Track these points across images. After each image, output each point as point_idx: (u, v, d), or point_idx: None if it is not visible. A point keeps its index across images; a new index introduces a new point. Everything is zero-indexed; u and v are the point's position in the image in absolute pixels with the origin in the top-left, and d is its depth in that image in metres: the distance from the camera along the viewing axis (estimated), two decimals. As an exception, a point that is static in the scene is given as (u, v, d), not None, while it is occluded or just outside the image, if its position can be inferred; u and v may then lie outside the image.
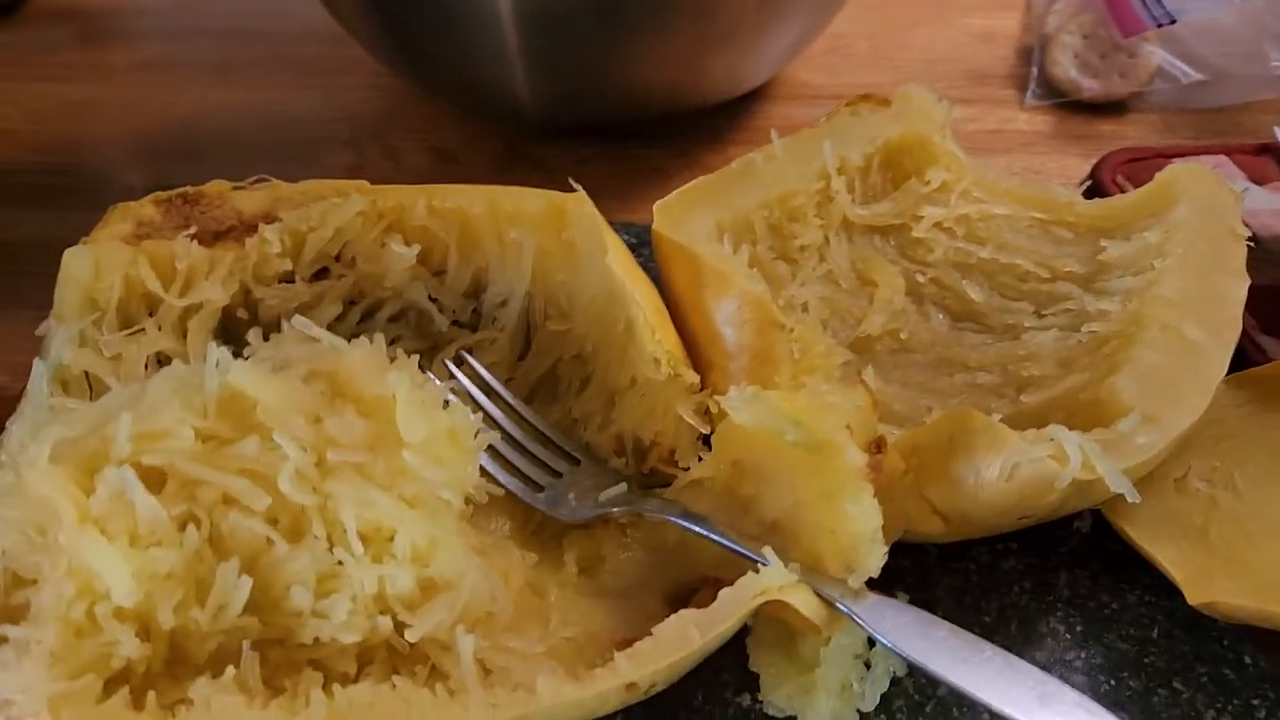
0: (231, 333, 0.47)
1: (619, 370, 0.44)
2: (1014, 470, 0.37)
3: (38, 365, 0.42)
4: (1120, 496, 0.39)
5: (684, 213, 0.48)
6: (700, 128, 0.70)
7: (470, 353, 0.48)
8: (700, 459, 0.42)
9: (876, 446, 0.38)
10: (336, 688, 0.32)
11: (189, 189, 0.48)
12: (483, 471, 0.41)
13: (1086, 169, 0.67)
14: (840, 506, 0.36)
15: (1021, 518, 0.39)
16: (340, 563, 0.34)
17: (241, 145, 0.70)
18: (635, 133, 0.70)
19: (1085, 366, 0.45)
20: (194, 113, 0.72)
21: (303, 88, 0.75)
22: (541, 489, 0.43)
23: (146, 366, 0.44)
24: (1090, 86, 0.72)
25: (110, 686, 0.32)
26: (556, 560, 0.41)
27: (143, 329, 0.44)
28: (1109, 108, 0.72)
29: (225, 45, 0.79)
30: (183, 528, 0.34)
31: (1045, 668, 0.39)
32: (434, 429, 0.37)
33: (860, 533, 0.36)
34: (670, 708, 0.39)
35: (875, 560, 0.36)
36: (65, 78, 0.76)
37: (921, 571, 0.43)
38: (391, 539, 0.35)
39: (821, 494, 0.37)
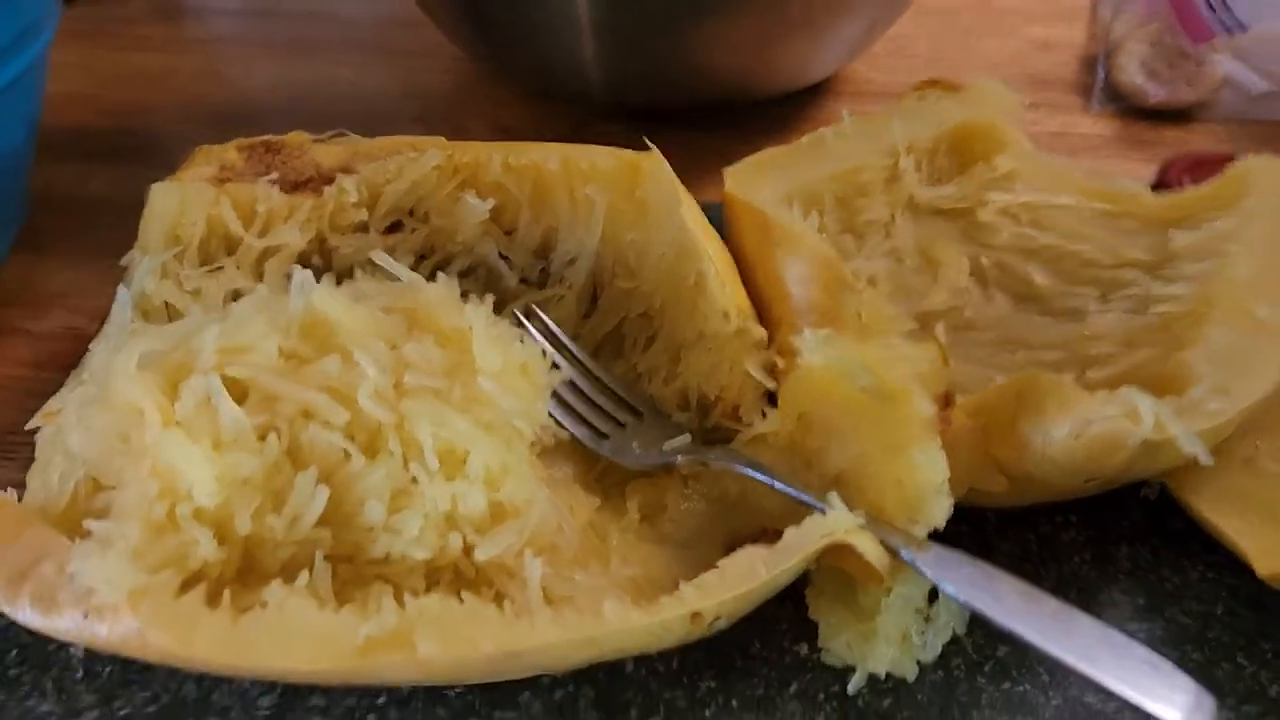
0: (294, 266, 0.48)
1: (687, 325, 0.44)
2: (1084, 428, 0.37)
3: (121, 292, 0.43)
4: (1187, 469, 0.39)
5: (754, 179, 0.49)
6: (764, 117, 0.71)
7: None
8: (764, 415, 0.43)
9: (945, 400, 0.38)
10: (407, 597, 0.33)
11: (271, 138, 0.49)
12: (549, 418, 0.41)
13: (1151, 173, 0.67)
14: (908, 456, 0.36)
15: (1088, 480, 0.39)
16: (414, 480, 0.35)
17: (312, 117, 0.70)
18: (700, 119, 0.70)
19: (1152, 344, 0.45)
20: (266, 85, 0.74)
21: (374, 67, 0.76)
22: (606, 437, 0.43)
23: (224, 303, 0.45)
24: (1156, 93, 0.72)
25: (185, 586, 0.33)
26: (619, 507, 0.42)
27: (221, 266, 0.45)
28: (1174, 115, 0.72)
29: (300, 26, 0.81)
30: (263, 438, 0.35)
31: (1106, 636, 0.39)
32: (509, 360, 0.37)
33: (927, 483, 0.36)
34: (727, 652, 0.39)
35: (941, 511, 0.36)
36: (141, 48, 0.78)
37: (980, 538, 0.43)
38: (465, 460, 0.36)
39: (889, 444, 0.37)
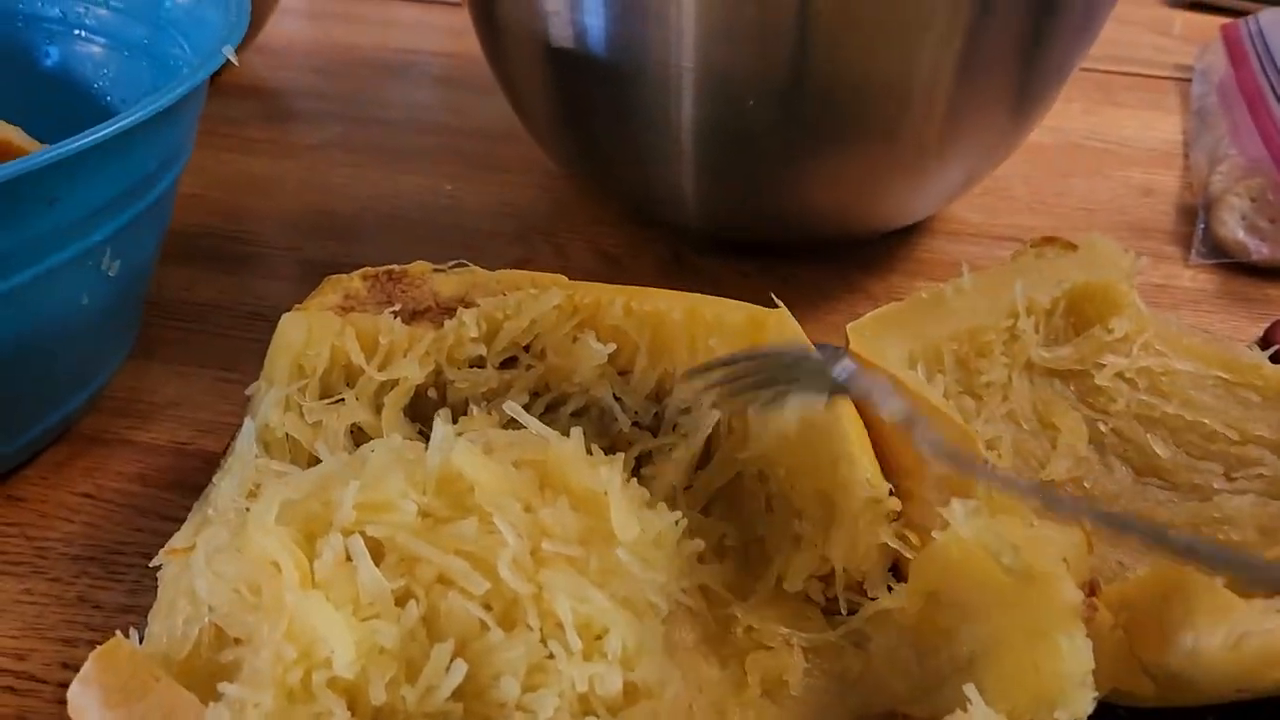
0: (418, 411, 0.48)
1: (820, 495, 0.43)
2: (1240, 640, 0.35)
3: (247, 424, 0.43)
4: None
5: (876, 336, 0.48)
6: (863, 255, 0.71)
7: (650, 456, 0.48)
8: (890, 589, 0.41)
9: (1091, 589, 0.37)
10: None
11: (395, 267, 0.50)
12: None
13: (1256, 331, 0.66)
14: (1052, 642, 0.35)
15: (1240, 690, 0.37)
16: (550, 656, 0.34)
17: (414, 230, 0.72)
18: (798, 253, 0.70)
19: (1292, 537, 0.44)
20: (370, 195, 0.75)
21: (474, 180, 0.77)
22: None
23: (344, 436, 0.45)
24: (1259, 250, 0.71)
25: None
26: (738, 678, 0.40)
27: (342, 399, 0.45)
28: (1278, 273, 0.72)
29: (402, 134, 0.83)
30: (400, 603, 0.34)
31: None
32: (644, 530, 0.37)
33: (1071, 673, 0.35)
34: None
35: (1084, 704, 0.35)
36: (250, 151, 0.80)
37: (1110, 734, 0.41)
38: (601, 637, 0.35)
39: (1030, 629, 0.36)
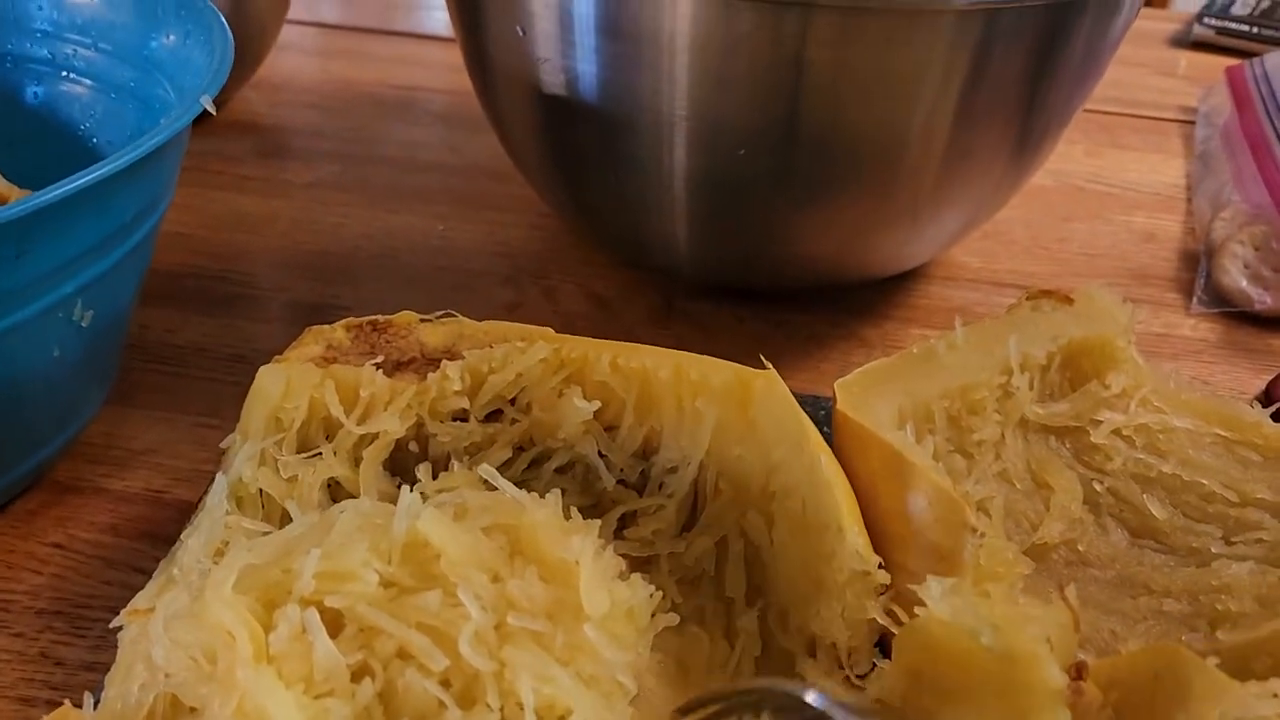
0: (399, 464, 0.47)
1: (810, 568, 0.42)
2: (1233, 725, 0.34)
3: (219, 480, 0.42)
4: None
5: (865, 394, 0.47)
6: (857, 300, 0.70)
7: (635, 516, 0.47)
8: (874, 665, 0.40)
9: (1077, 671, 0.35)
10: None
11: (379, 318, 0.49)
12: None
13: (1259, 384, 0.65)
14: (1035, 729, 0.34)
15: (1234, 776, 0.36)
16: (510, 738, 0.33)
17: (405, 271, 0.71)
18: (791, 298, 0.70)
19: (1290, 609, 0.42)
20: (361, 234, 0.74)
21: (466, 220, 0.77)
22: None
23: (320, 491, 0.44)
24: (1262, 299, 0.70)
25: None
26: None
27: (319, 453, 0.44)
28: (1282, 323, 0.70)
29: (396, 172, 0.82)
30: (356, 678, 0.33)
31: None
32: (615, 604, 0.36)
33: (1055, 761, 0.33)
34: None
35: (1069, 792, 0.33)
36: (241, 189, 0.79)
37: (1101, 813, 0.40)
38: (564, 718, 0.33)
39: (1013, 713, 0.35)
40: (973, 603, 0.36)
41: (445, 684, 0.33)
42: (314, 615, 0.33)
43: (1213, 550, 0.47)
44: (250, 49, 0.87)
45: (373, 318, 0.49)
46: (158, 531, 0.50)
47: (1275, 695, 0.34)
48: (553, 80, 0.59)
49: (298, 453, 0.45)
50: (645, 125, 0.57)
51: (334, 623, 0.34)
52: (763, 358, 0.45)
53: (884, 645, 0.41)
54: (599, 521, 0.39)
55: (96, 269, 0.44)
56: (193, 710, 0.34)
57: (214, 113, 0.46)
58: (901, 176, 0.58)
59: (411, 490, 0.38)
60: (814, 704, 0.35)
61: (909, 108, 0.55)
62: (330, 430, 0.46)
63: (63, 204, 0.39)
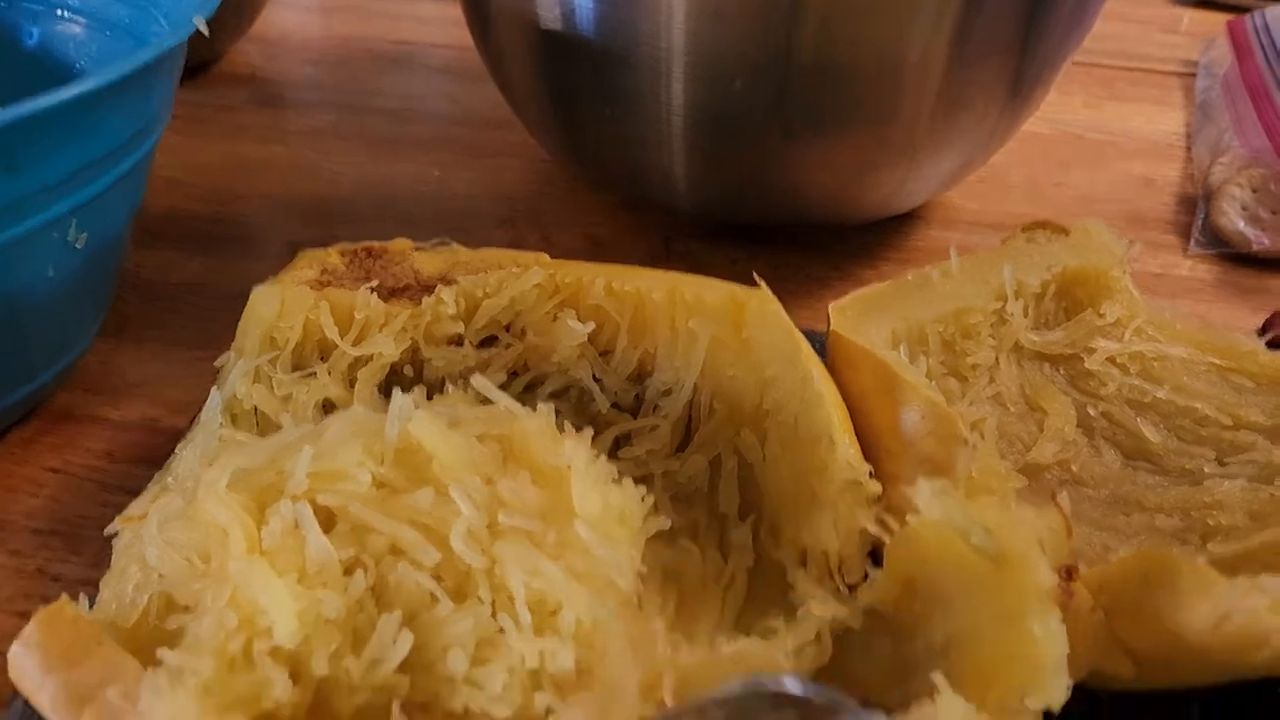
0: (394, 388, 0.47)
1: (803, 480, 0.42)
2: (1223, 620, 0.34)
3: (214, 395, 0.42)
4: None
5: (859, 316, 0.47)
6: (854, 242, 0.70)
7: (629, 437, 0.47)
8: (866, 575, 0.40)
9: (1068, 573, 0.35)
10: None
11: (374, 244, 0.49)
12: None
13: (1255, 322, 0.65)
14: (1024, 628, 0.34)
15: (1224, 673, 0.36)
16: (501, 631, 0.33)
17: (403, 215, 0.71)
18: (789, 240, 0.69)
19: (1281, 522, 0.42)
20: (358, 179, 0.74)
21: (463, 167, 0.77)
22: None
23: (314, 411, 0.44)
24: (1259, 240, 0.70)
25: (255, 731, 0.31)
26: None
27: (314, 373, 0.45)
28: (1278, 264, 0.70)
29: (393, 122, 0.82)
30: (348, 573, 0.33)
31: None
32: (607, 506, 0.36)
33: (1043, 660, 0.33)
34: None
35: (1058, 691, 0.33)
36: (239, 136, 0.79)
37: (1092, 721, 0.40)
38: (556, 613, 0.34)
39: (1003, 614, 0.35)
40: (963, 505, 0.36)
41: (437, 580, 0.34)
42: (306, 509, 0.33)
43: (1205, 470, 0.47)
44: (248, 3, 0.87)
45: (367, 243, 0.49)
46: (153, 457, 0.50)
47: (1265, 591, 0.34)
48: (549, 16, 0.59)
49: (292, 373, 0.45)
50: (642, 59, 0.57)
51: (326, 523, 0.34)
52: (755, 275, 0.45)
53: (877, 557, 0.41)
54: (591, 429, 0.39)
55: (90, 190, 0.44)
56: (186, 609, 0.34)
57: (205, 32, 0.46)
58: (898, 111, 0.58)
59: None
60: (791, 690, 0.33)
61: (904, 39, 0.55)
62: (325, 352, 0.46)
63: (53, 116, 0.39)
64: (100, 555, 0.45)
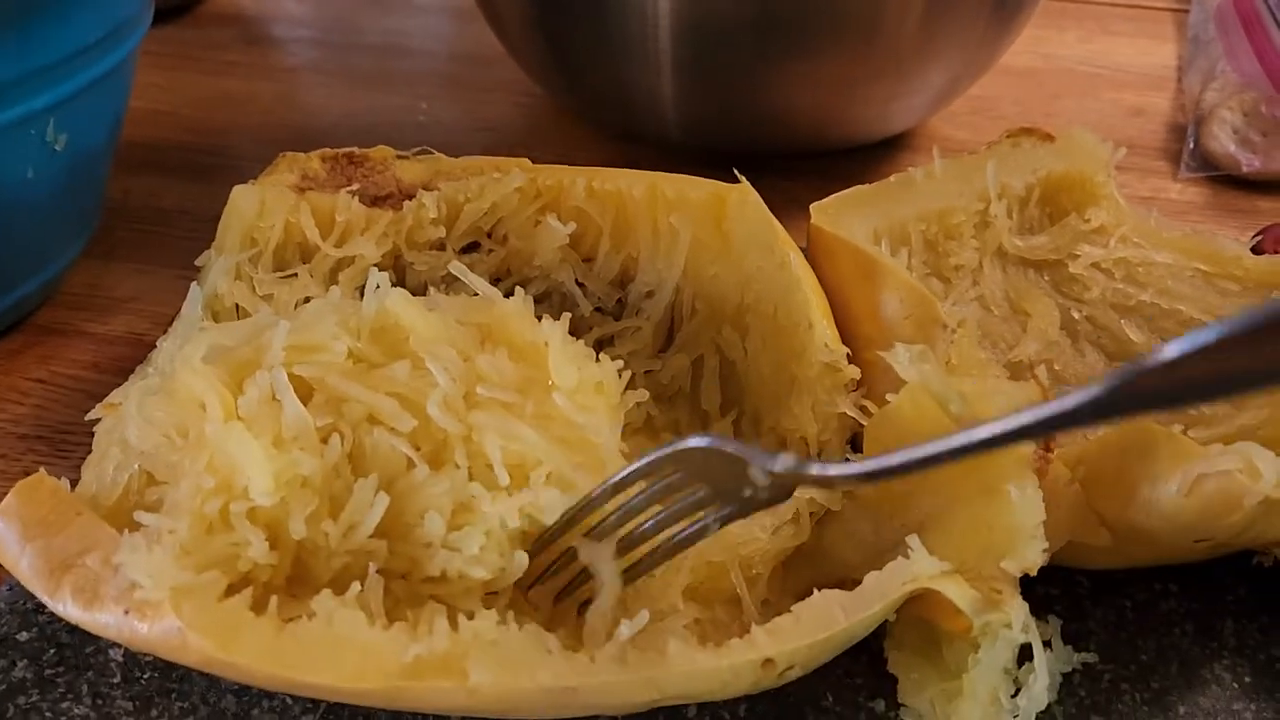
0: (372, 268, 0.47)
1: (784, 368, 0.42)
2: (1196, 483, 0.34)
3: (194, 290, 0.42)
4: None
5: (840, 214, 0.47)
6: (840, 168, 0.70)
7: (612, 340, 0.47)
8: (848, 460, 0.40)
9: (1045, 443, 0.35)
10: (462, 620, 0.31)
11: (355, 150, 0.49)
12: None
13: (1245, 241, 0.65)
14: (1001, 494, 0.34)
15: (1199, 540, 0.36)
16: (474, 497, 0.33)
17: (388, 144, 0.71)
18: (778, 168, 0.69)
19: (1261, 405, 0.42)
20: (343, 113, 0.74)
21: (450, 101, 0.76)
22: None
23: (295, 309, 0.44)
24: (1250, 161, 0.70)
25: (232, 590, 0.31)
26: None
27: (295, 274, 0.45)
28: (1268, 185, 0.70)
29: (379, 58, 0.82)
30: (325, 439, 0.33)
31: (1210, 715, 0.36)
32: (584, 378, 0.36)
33: (1020, 525, 0.34)
34: (797, 704, 0.36)
35: (1034, 555, 0.33)
36: (225, 73, 0.79)
37: (1072, 602, 0.40)
38: (534, 470, 0.34)
39: (980, 482, 0.35)
40: (940, 372, 0.36)
41: (415, 448, 0.34)
42: (282, 375, 0.33)
43: (1188, 367, 0.47)
44: (233, -60, 0.86)
45: (349, 150, 0.49)
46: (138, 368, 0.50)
47: (1239, 454, 0.34)
48: (534, -71, 0.59)
49: (274, 273, 0.45)
50: (627, -30, 0.57)
51: (304, 396, 0.34)
52: (736, 171, 0.45)
53: (857, 444, 0.41)
54: (569, 315, 0.38)
55: (67, 86, 0.44)
56: (165, 484, 0.35)
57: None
58: (881, 21, 0.58)
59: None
60: (698, 444, 0.33)
61: (887, -55, 0.54)
62: (306, 255, 0.46)
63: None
64: (85, 459, 0.45)
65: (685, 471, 0.33)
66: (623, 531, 0.34)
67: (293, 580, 0.33)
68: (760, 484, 0.32)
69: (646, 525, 0.34)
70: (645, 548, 0.34)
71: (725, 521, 0.33)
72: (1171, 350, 0.26)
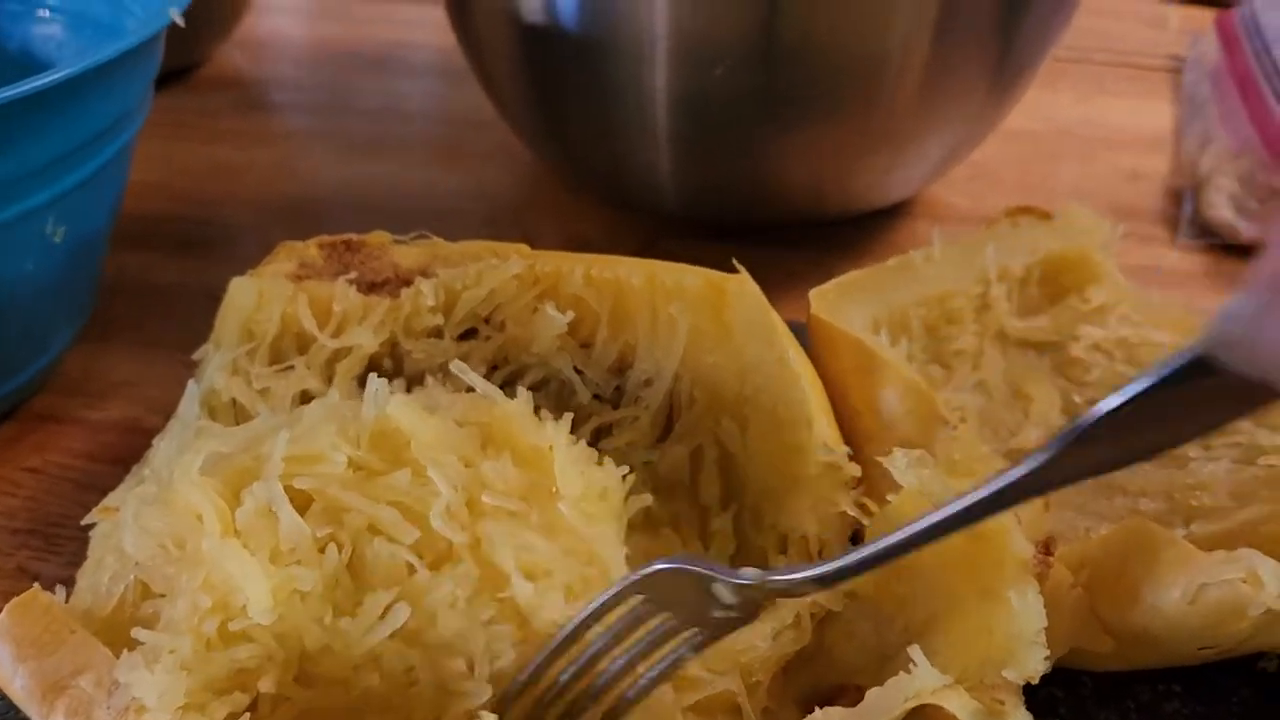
0: (371, 374, 0.47)
1: (784, 464, 0.42)
2: (1200, 592, 0.34)
3: (191, 386, 0.42)
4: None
5: (840, 302, 0.47)
6: (838, 238, 0.70)
7: (610, 429, 0.46)
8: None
9: (1046, 547, 0.35)
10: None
11: (353, 236, 0.49)
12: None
13: (1243, 312, 0.65)
14: (1002, 600, 0.33)
15: (1202, 648, 0.36)
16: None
17: (382, 215, 0.70)
18: (774, 238, 0.69)
19: (1265, 500, 0.42)
20: (339, 182, 0.74)
21: (445, 168, 0.77)
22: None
23: (292, 404, 0.44)
24: (1248, 229, 0.70)
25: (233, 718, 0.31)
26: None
27: (292, 366, 0.44)
28: (1265, 253, 0.70)
29: (375, 123, 0.82)
30: (323, 549, 0.33)
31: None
32: (589, 485, 0.35)
33: (1020, 631, 0.33)
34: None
35: (1035, 662, 0.33)
36: (219, 141, 0.79)
37: (1076, 703, 0.40)
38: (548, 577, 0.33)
39: (980, 587, 0.34)
40: (939, 475, 0.36)
41: (419, 557, 0.33)
42: (278, 486, 0.33)
43: (1189, 454, 0.47)
44: (231, 6, 0.87)
45: (346, 236, 0.49)
46: (133, 457, 0.49)
47: (1242, 563, 0.34)
48: (531, 6, 0.59)
49: (270, 366, 0.44)
50: (624, 46, 0.57)
51: (302, 506, 0.34)
52: (735, 261, 0.45)
53: (858, 540, 0.41)
54: (571, 415, 0.38)
55: (68, 181, 0.44)
56: (162, 596, 0.34)
57: (181, 24, 0.46)
58: (879, 97, 0.58)
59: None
60: (662, 567, 0.33)
61: (885, 24, 0.55)
62: (303, 346, 0.46)
63: (30, 101, 0.39)
64: (79, 554, 0.43)
65: (651, 598, 0.33)
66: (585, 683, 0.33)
67: (299, 678, 0.33)
68: (728, 601, 0.32)
69: (616, 664, 0.33)
70: (615, 693, 0.34)
71: (699, 649, 0.33)
72: (1112, 401, 0.27)
